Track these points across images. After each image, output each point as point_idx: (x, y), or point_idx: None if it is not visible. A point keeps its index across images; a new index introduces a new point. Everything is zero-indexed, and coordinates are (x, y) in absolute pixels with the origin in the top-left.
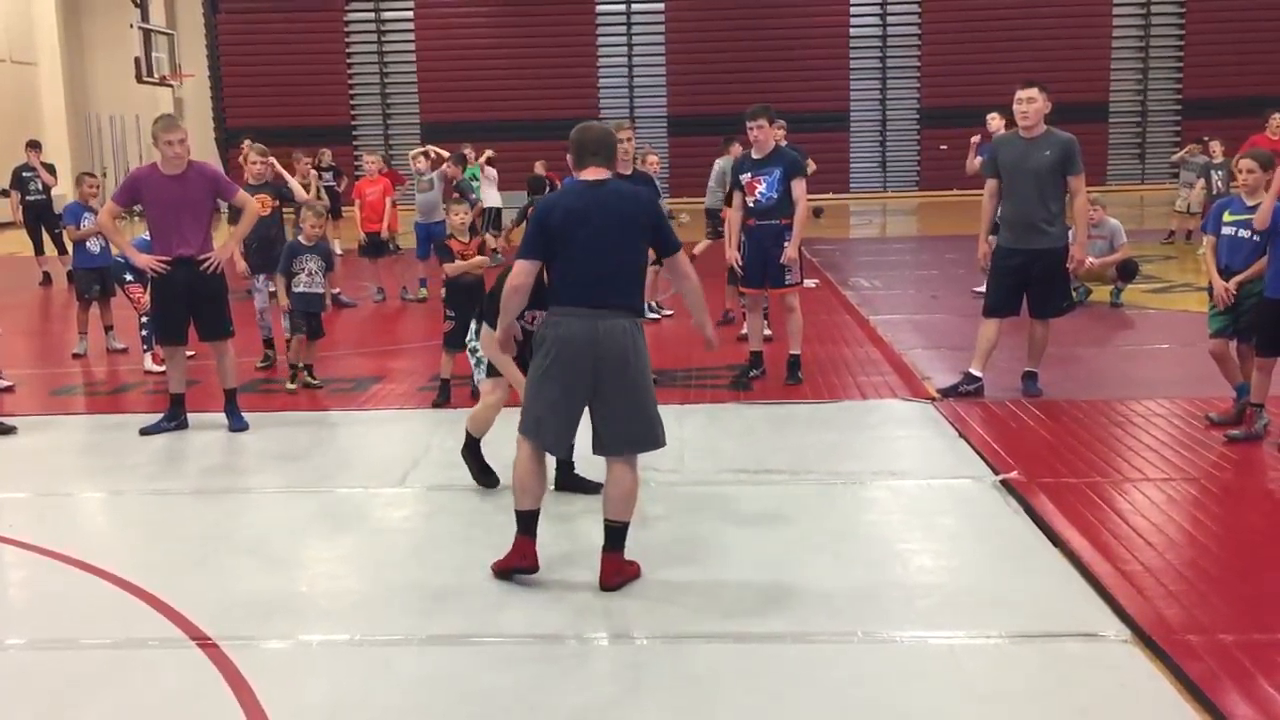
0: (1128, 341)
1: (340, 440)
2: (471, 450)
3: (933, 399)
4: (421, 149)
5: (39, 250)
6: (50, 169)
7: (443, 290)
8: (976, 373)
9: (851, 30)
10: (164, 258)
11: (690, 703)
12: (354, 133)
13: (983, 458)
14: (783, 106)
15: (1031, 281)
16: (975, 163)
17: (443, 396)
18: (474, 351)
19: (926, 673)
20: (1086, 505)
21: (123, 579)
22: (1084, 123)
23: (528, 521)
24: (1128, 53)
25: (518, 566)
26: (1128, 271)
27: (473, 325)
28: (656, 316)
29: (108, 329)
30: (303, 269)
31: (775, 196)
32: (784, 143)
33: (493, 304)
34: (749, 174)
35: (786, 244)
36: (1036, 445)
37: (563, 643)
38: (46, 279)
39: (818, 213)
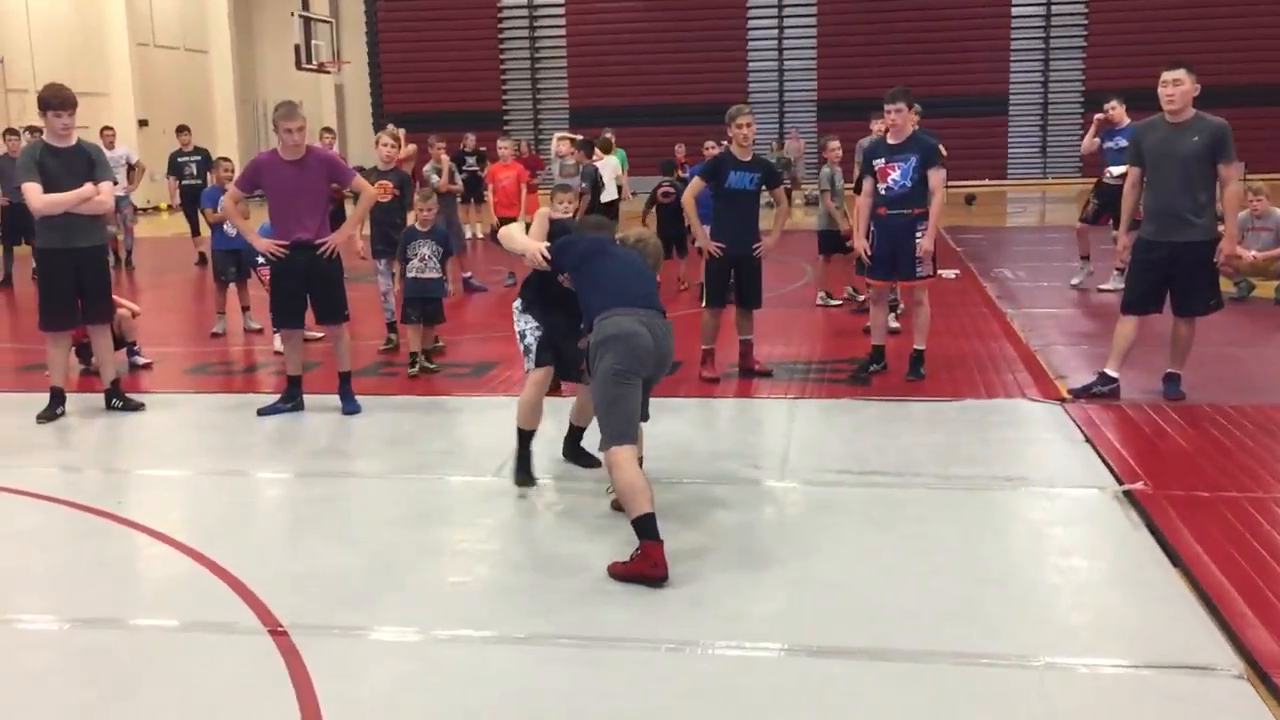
0: None
1: (448, 426)
2: (522, 443)
3: (1063, 400)
4: (566, 134)
5: (195, 232)
6: (204, 154)
7: None
8: (1112, 373)
9: (1013, 10)
10: (282, 242)
11: (743, 718)
12: (505, 118)
13: (1109, 466)
14: (939, 90)
15: (1176, 277)
16: (1094, 143)
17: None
18: (523, 337)
19: (1007, 701)
20: (1217, 522)
21: (210, 559)
22: (1264, 106)
23: (652, 525)
24: None
25: (649, 576)
26: None
27: (515, 310)
28: (838, 303)
29: (244, 309)
30: (416, 254)
31: (909, 185)
32: (917, 128)
33: (528, 290)
34: (883, 160)
35: (919, 236)
36: (1171, 454)
37: (620, 646)
38: (202, 260)
39: (970, 199)
